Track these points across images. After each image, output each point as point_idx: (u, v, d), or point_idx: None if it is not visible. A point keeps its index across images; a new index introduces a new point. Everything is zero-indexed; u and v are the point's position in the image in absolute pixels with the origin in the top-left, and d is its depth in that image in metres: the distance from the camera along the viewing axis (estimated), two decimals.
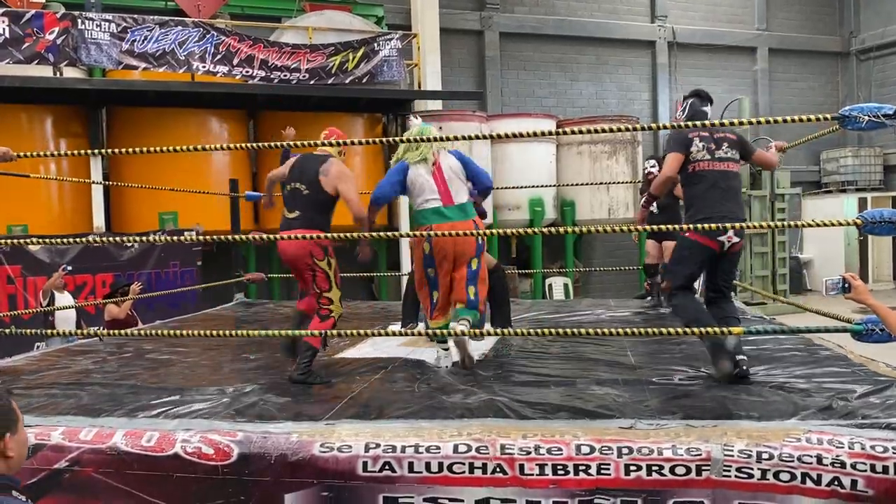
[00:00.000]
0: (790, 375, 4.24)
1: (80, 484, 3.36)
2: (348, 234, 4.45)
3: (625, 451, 3.08)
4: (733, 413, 3.47)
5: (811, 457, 2.99)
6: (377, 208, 5.08)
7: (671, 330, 4.36)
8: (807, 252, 19.06)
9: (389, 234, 5.01)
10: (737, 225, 4.05)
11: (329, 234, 4.55)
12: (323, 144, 4.50)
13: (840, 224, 3.86)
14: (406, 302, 6.04)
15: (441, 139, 4.76)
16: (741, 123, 4.04)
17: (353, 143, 4.73)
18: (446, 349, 4.90)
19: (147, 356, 5.49)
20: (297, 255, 4.60)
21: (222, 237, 4.83)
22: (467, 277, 4.74)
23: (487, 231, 4.60)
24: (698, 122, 4.21)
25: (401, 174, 4.85)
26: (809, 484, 2.97)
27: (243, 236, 4.93)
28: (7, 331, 4.58)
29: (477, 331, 4.68)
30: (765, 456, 3.02)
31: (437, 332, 4.87)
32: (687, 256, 4.37)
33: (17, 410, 2.23)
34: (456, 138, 4.72)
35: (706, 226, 4.00)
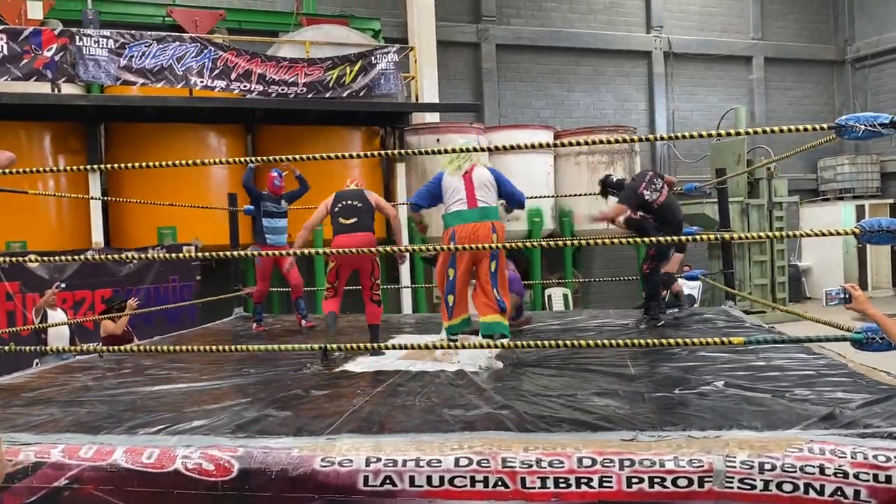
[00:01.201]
0: (791, 384, 4.23)
1: (80, 501, 3.35)
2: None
3: (627, 463, 3.07)
4: (735, 423, 3.45)
5: (814, 467, 2.98)
6: (415, 210, 5.64)
7: (671, 340, 4.36)
8: (805, 260, 19.08)
9: (411, 247, 5.01)
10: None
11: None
12: None
13: (838, 234, 3.86)
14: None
15: (476, 149, 5.31)
16: (738, 134, 4.06)
17: (352, 156, 4.76)
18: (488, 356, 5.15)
19: (146, 372, 5.47)
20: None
21: (224, 254, 4.83)
22: (490, 278, 5.16)
23: (490, 245, 4.62)
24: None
25: (436, 181, 5.35)
26: (812, 494, 2.95)
27: (245, 252, 4.94)
28: (6, 348, 4.55)
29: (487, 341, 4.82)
30: (767, 467, 3.00)
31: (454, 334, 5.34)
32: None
33: None
34: (451, 151, 4.74)
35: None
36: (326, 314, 5.91)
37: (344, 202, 5.95)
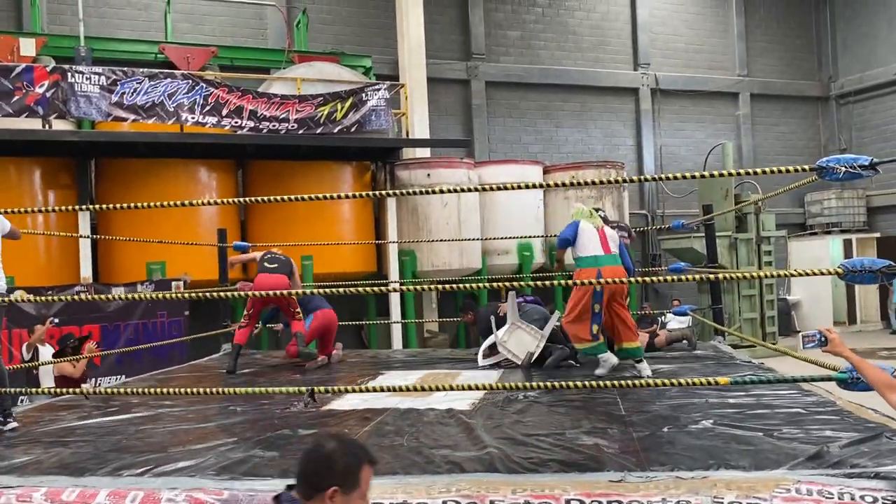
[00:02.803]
0: (780, 422, 4.23)
1: None
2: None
3: None
4: (723, 463, 3.45)
5: None
6: (562, 249, 6.37)
7: (659, 381, 4.36)
8: (794, 294, 19.17)
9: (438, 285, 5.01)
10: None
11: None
12: None
13: (822, 273, 3.90)
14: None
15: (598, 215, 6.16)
16: (724, 175, 4.12)
17: (343, 196, 4.79)
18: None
19: (133, 410, 5.41)
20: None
21: (208, 294, 4.82)
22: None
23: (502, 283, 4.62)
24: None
25: (575, 227, 6.15)
26: None
27: (229, 293, 4.93)
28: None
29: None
30: None
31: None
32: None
33: None
34: (445, 191, 4.77)
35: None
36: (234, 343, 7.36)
37: (270, 254, 7.66)
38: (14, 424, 4.74)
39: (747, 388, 5.15)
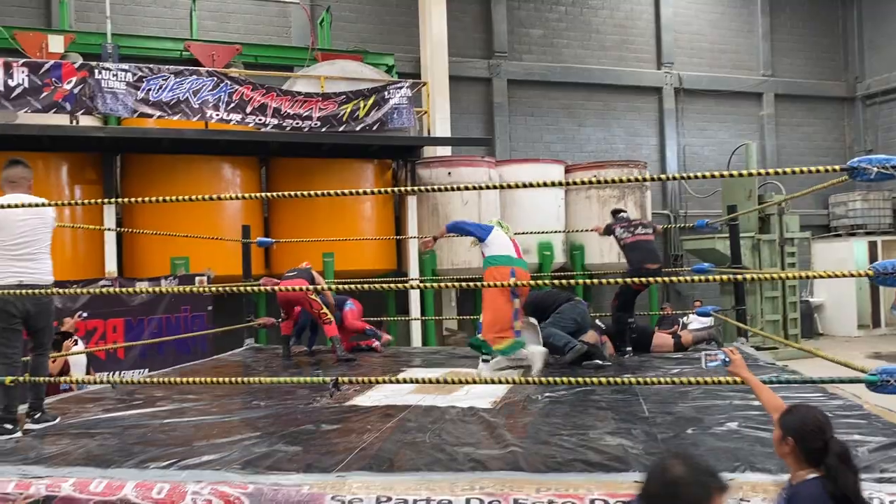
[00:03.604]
0: None
1: None
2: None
3: None
4: (748, 465, 3.42)
5: None
6: (453, 231, 6.56)
7: (683, 379, 4.33)
8: (818, 296, 18.96)
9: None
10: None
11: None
12: None
13: (851, 275, 3.85)
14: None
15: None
16: (749, 174, 4.07)
17: (365, 192, 4.81)
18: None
19: (157, 403, 5.47)
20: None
21: (231, 288, 4.86)
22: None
23: (510, 282, 4.62)
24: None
25: (490, 229, 6.36)
26: None
27: (252, 287, 4.97)
28: (21, 378, 4.58)
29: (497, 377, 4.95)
30: None
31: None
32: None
33: None
34: (465, 188, 4.77)
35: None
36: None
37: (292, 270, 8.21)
38: (38, 427, 4.75)
39: (773, 390, 5.10)
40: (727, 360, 3.52)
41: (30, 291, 4.52)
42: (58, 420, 4.76)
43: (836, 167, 3.77)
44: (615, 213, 7.81)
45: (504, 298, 6.03)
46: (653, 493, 2.08)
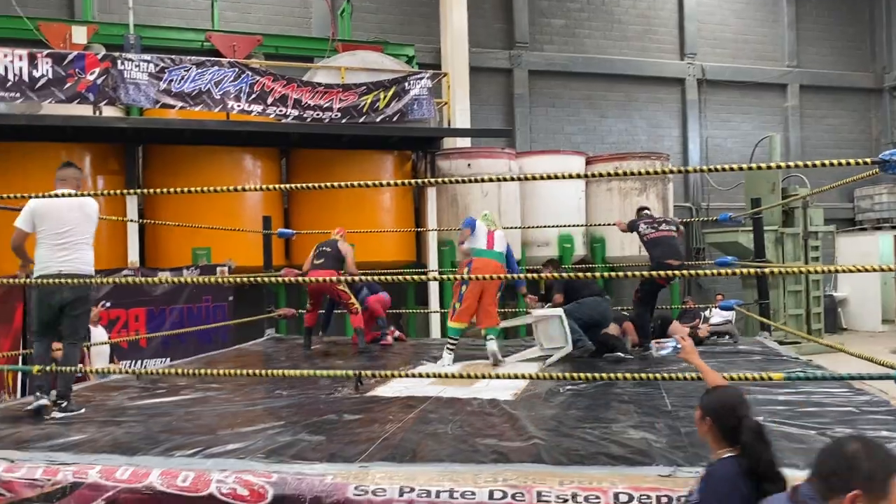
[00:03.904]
0: (832, 421, 4.14)
1: None
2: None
3: (664, 500, 3.02)
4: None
5: None
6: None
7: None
8: (841, 290, 18.74)
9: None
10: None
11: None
12: None
13: (876, 270, 3.78)
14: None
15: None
16: (774, 167, 4.01)
17: (385, 184, 4.81)
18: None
19: (181, 392, 5.52)
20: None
21: (252, 278, 4.88)
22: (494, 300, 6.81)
23: (521, 275, 4.60)
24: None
25: (473, 222, 7.00)
26: None
27: (273, 279, 4.99)
28: (48, 368, 4.64)
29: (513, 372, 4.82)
30: None
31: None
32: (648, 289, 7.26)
33: None
34: (485, 180, 4.74)
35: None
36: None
37: (319, 249, 7.99)
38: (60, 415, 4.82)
39: (796, 385, 5.05)
40: (678, 346, 3.61)
41: (65, 281, 4.68)
42: (82, 411, 4.82)
43: (867, 160, 3.70)
44: (640, 210, 7.80)
45: (459, 286, 6.83)
46: (828, 470, 2.04)
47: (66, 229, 4.86)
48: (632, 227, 7.46)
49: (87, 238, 4.99)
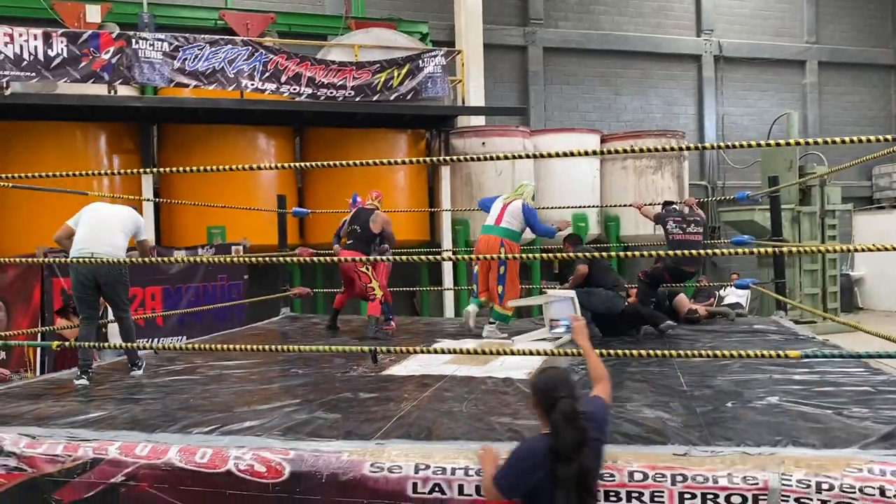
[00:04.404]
0: (848, 400, 4.12)
1: (136, 499, 3.44)
2: None
3: (679, 478, 3.03)
4: (790, 440, 3.38)
5: (874, 488, 2.90)
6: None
7: (722, 353, 4.28)
8: (858, 269, 18.58)
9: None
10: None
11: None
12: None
13: (894, 249, 3.74)
14: None
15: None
16: (793, 144, 3.96)
17: (399, 162, 4.79)
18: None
19: (197, 370, 5.58)
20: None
21: (266, 258, 4.91)
22: (497, 278, 6.91)
23: (535, 255, 4.58)
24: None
25: (492, 199, 7.35)
26: None
27: (287, 258, 5.03)
28: (67, 343, 4.70)
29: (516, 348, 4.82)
30: (825, 486, 2.94)
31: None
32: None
33: None
34: (495, 158, 4.71)
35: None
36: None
37: (351, 225, 7.55)
38: (84, 381, 4.97)
39: (812, 364, 5.03)
40: (570, 325, 3.75)
41: (92, 259, 5.05)
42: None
43: (887, 137, 3.65)
44: (666, 204, 7.83)
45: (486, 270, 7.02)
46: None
47: (104, 221, 5.42)
48: (659, 220, 7.46)
49: (123, 235, 5.48)
